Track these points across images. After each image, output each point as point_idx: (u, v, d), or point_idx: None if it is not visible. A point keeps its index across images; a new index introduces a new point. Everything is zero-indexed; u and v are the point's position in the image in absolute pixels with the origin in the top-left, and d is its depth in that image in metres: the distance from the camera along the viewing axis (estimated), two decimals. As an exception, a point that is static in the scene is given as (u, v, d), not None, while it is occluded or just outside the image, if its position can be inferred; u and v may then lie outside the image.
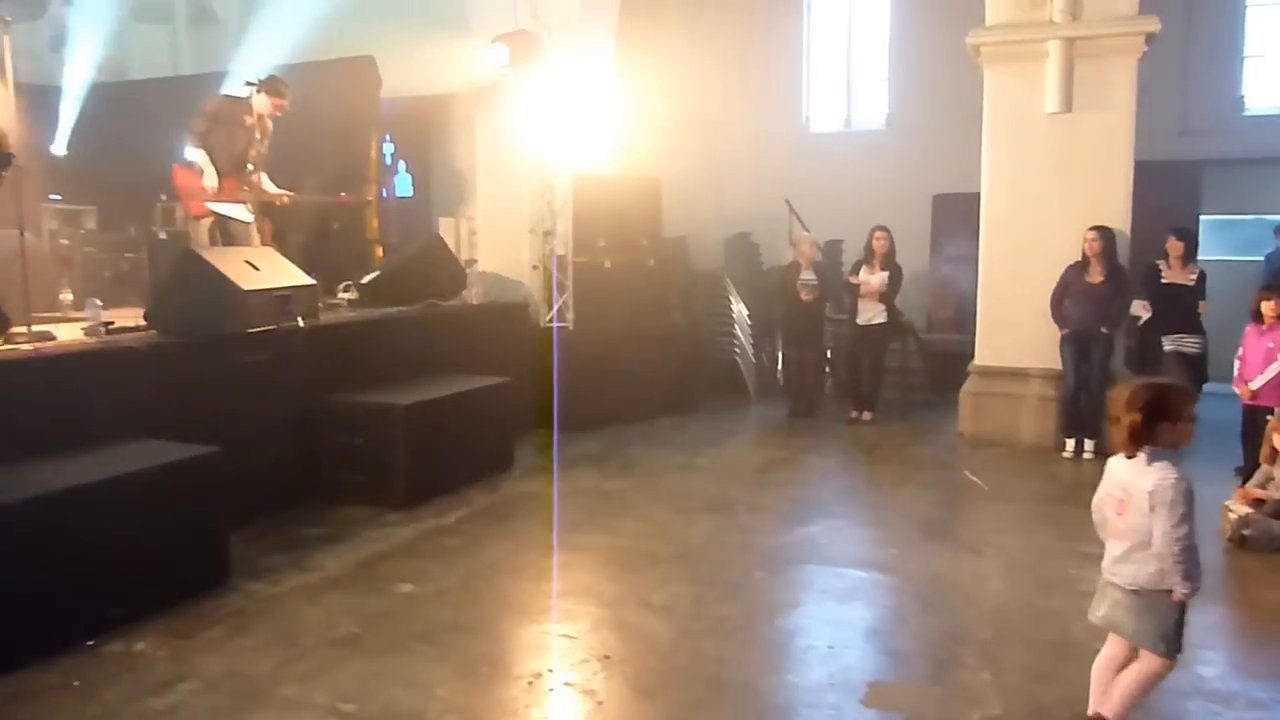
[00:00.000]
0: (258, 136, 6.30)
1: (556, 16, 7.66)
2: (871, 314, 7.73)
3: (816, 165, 10.75)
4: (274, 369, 5.09)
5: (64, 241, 7.74)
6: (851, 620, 3.86)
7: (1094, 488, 2.80)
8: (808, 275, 7.99)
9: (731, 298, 9.28)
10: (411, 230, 8.71)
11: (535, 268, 7.86)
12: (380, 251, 8.33)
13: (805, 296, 7.94)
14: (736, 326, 9.18)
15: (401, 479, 5.26)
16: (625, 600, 4.00)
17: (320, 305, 5.83)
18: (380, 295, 6.87)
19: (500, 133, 8.09)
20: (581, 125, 7.97)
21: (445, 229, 8.08)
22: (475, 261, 7.95)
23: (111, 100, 8.51)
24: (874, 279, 7.69)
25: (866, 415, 7.82)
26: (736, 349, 9.15)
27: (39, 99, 7.76)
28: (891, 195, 9.67)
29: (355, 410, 5.36)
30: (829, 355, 8.85)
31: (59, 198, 8.09)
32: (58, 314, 6.16)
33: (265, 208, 6.55)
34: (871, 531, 5.16)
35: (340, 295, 7.00)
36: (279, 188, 6.49)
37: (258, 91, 6.27)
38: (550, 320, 7.76)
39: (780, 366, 9.21)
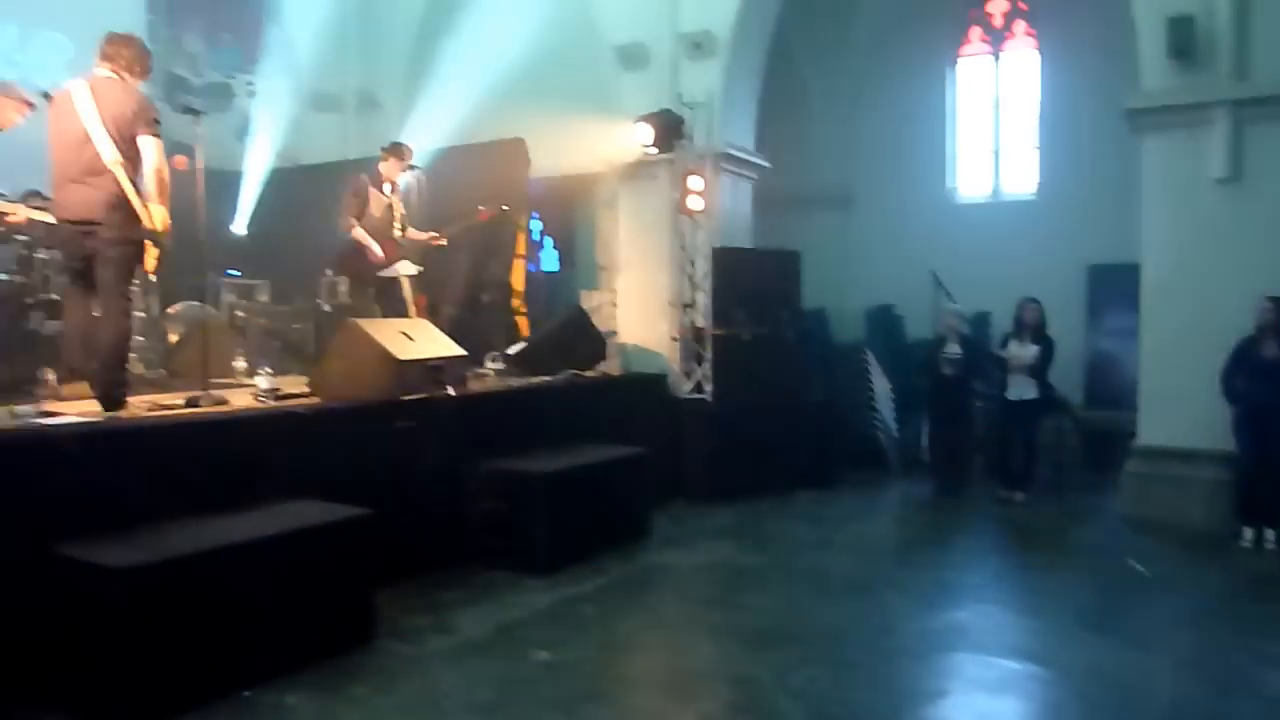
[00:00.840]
0: (394, 195, 6.76)
1: (699, 94, 7.87)
2: (1022, 389, 7.43)
3: (963, 235, 10.52)
4: (424, 435, 5.29)
5: (240, 313, 8.34)
6: (1004, 715, 3.64)
7: (1277, 580, 2.57)
8: (953, 348, 7.78)
9: (872, 371, 9.10)
10: (556, 303, 8.98)
11: (674, 340, 7.94)
12: (526, 324, 8.62)
13: (949, 370, 7.72)
14: (878, 400, 8.98)
15: (541, 545, 5.35)
16: (761, 680, 3.90)
17: (469, 374, 6.06)
18: (525, 365, 7.09)
19: (643, 209, 8.30)
20: (723, 200, 8.09)
21: (588, 302, 8.29)
22: (616, 333, 8.11)
23: (286, 183, 9.22)
24: (1024, 352, 7.41)
25: (1018, 495, 7.45)
26: (878, 423, 8.93)
27: (224, 183, 8.48)
28: (1042, 266, 9.34)
29: (498, 476, 5.50)
30: (976, 432, 8.52)
31: (237, 273, 8.76)
32: (232, 380, 6.61)
33: (416, 266, 6.92)
34: (1025, 619, 4.87)
35: (488, 365, 7.25)
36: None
37: (384, 159, 6.81)
38: (688, 392, 7.80)
39: (925, 442, 8.93)
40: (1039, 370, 7.39)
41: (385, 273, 6.65)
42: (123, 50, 4.71)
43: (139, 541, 3.62)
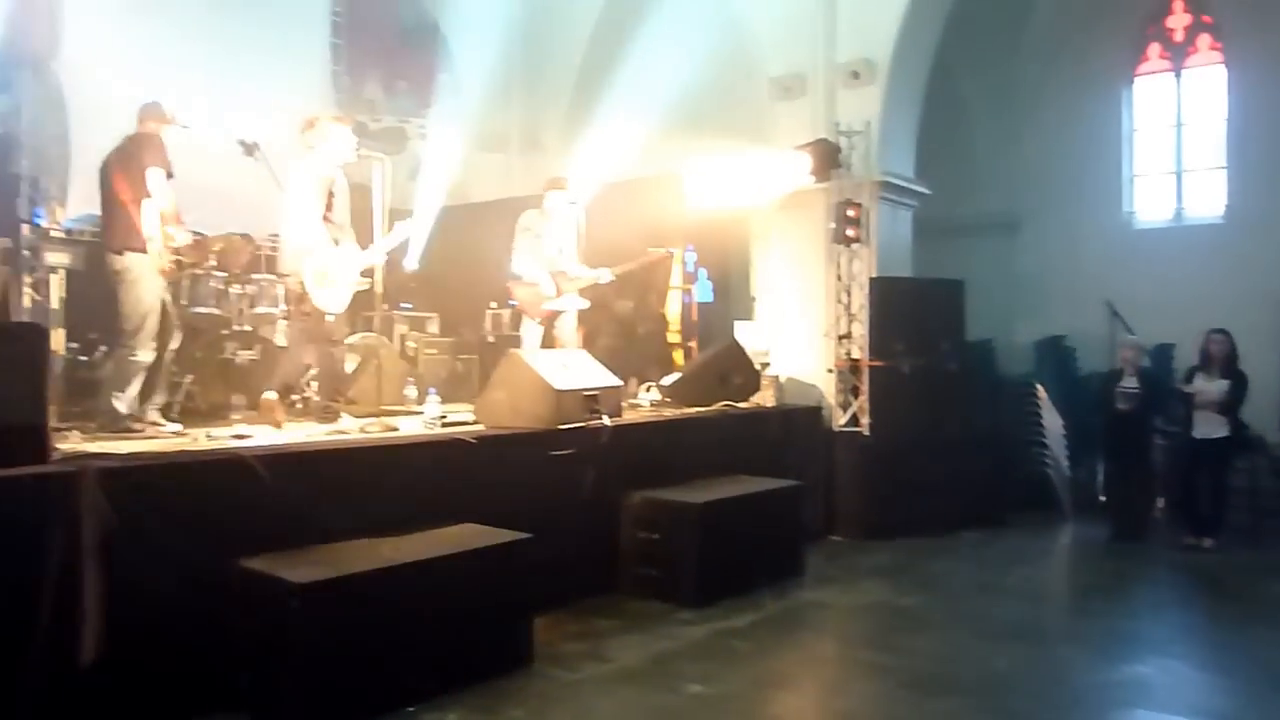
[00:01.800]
0: (560, 233, 6.89)
1: (857, 122, 7.76)
2: (1210, 427, 6.88)
3: (1141, 262, 9.89)
4: (581, 463, 5.40)
5: (411, 344, 8.78)
6: (1192, 781, 3.35)
7: None
8: (1131, 383, 7.31)
9: (1043, 406, 8.65)
10: (711, 335, 9.00)
11: (830, 371, 7.80)
12: (681, 355, 8.67)
13: (1125, 406, 7.25)
14: (1048, 437, 8.51)
15: (694, 577, 5.33)
16: (922, 727, 3.75)
17: (625, 404, 6.15)
18: (680, 396, 7.13)
19: (799, 239, 8.23)
20: (882, 228, 7.92)
21: (742, 333, 8.27)
22: (770, 365, 8.05)
23: (455, 220, 9.66)
24: (1212, 387, 6.88)
25: (1207, 541, 6.88)
26: (1048, 461, 8.46)
27: (402, 220, 8.99)
28: (1231, 294, 8.66)
29: (652, 506, 5.54)
30: (1157, 472, 7.94)
31: (409, 306, 9.23)
32: (402, 407, 6.96)
33: (584, 299, 7.07)
34: (1212, 677, 4.47)
35: (643, 395, 7.34)
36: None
37: (546, 192, 6.97)
38: (845, 425, 7.64)
39: (1100, 483, 8.39)
40: (1229, 407, 6.84)
41: (551, 305, 6.84)
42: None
43: (315, 559, 3.84)
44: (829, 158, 7.58)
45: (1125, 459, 7.50)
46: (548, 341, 6.90)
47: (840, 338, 7.76)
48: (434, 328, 9.34)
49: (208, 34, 9.20)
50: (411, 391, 7.32)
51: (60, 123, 7.56)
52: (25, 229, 7.00)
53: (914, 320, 7.58)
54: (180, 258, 5.33)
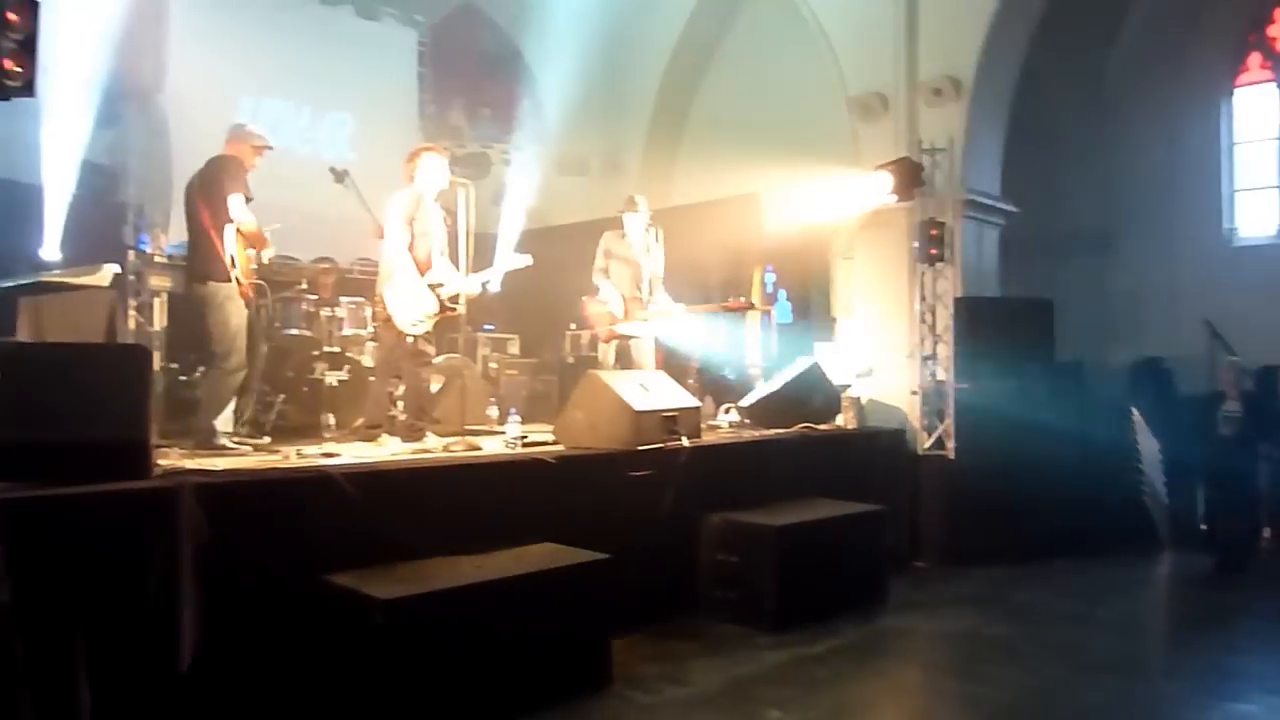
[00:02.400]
0: (639, 255, 6.92)
1: (940, 140, 7.65)
2: (1322, 454, 6.54)
3: (1244, 280, 9.47)
4: (659, 485, 5.40)
5: (493, 365, 8.94)
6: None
7: None
8: (1233, 406, 7.00)
9: (1138, 430, 8.33)
10: (790, 356, 8.94)
11: (914, 393, 7.66)
12: (760, 376, 8.63)
13: (1229, 431, 6.94)
14: (1144, 463, 8.19)
15: (773, 601, 5.28)
16: (1011, 761, 3.63)
17: (703, 426, 6.13)
18: (759, 418, 7.08)
19: (881, 258, 8.13)
20: (967, 247, 7.78)
21: (822, 354, 8.19)
22: (850, 386, 7.95)
23: (536, 243, 9.81)
24: (1324, 412, 6.54)
25: (1319, 575, 6.54)
26: (1144, 488, 8.14)
27: (484, 245, 9.18)
28: (1346, 314, 8.25)
29: (731, 529, 5.51)
30: (1263, 500, 7.56)
31: (491, 328, 9.40)
32: (484, 426, 7.07)
33: (653, 329, 7.08)
34: (1331, 720, 4.24)
35: (721, 417, 7.32)
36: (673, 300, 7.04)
37: (622, 213, 6.98)
38: (929, 448, 7.49)
39: (1201, 510, 8.03)
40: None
41: (623, 329, 6.87)
42: None
43: (399, 575, 3.92)
44: (911, 176, 7.49)
45: (1228, 486, 7.18)
46: (624, 363, 6.92)
47: (924, 359, 7.63)
48: (515, 349, 9.49)
49: (302, 65, 9.58)
50: (493, 411, 7.43)
51: (163, 152, 7.94)
52: (131, 255, 7.38)
53: (1001, 341, 7.40)
54: (260, 282, 5.47)
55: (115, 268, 6.38)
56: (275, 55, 9.29)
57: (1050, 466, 7.31)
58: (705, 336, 7.81)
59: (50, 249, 7.07)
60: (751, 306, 7.54)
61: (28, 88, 3.19)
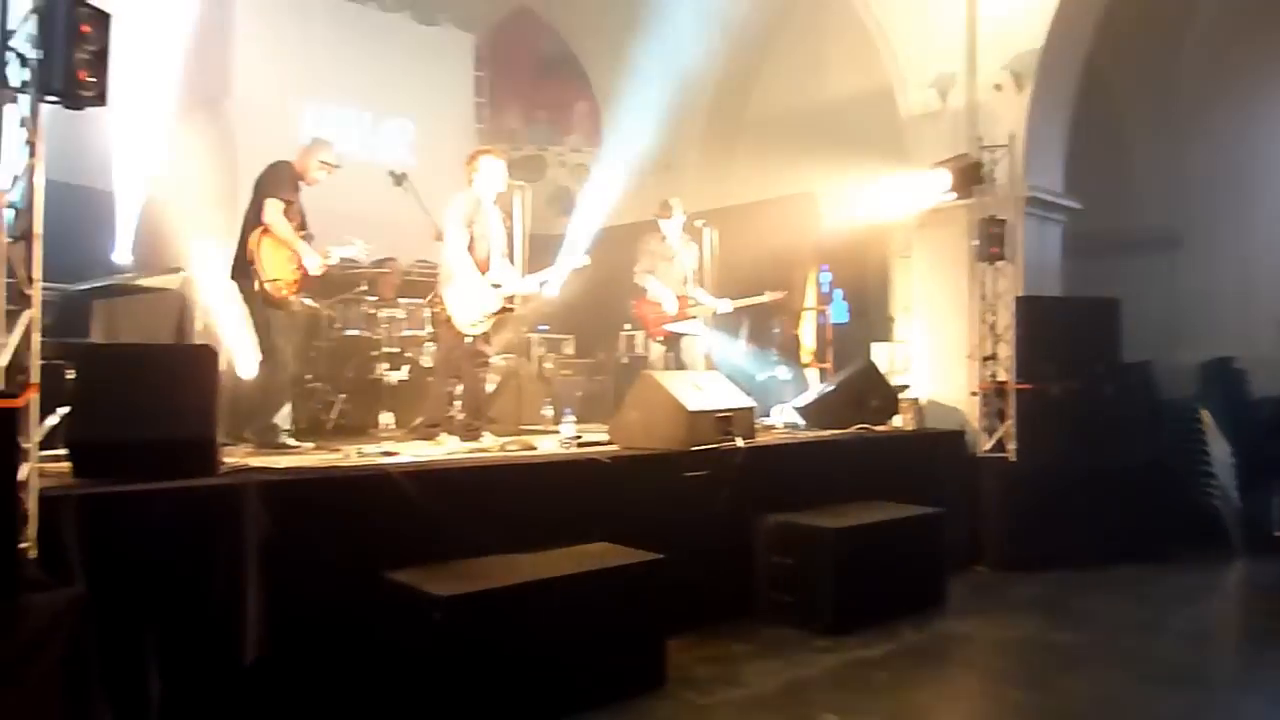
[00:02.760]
0: (680, 254, 6.92)
1: (1000, 136, 7.51)
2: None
3: (1324, 277, 9.15)
4: (713, 485, 5.39)
5: (547, 365, 9.01)
6: None
7: None
8: (1312, 408, 6.75)
9: (1209, 432, 8.08)
10: (846, 356, 8.86)
11: (974, 394, 7.53)
12: (816, 376, 8.56)
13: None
14: (1215, 466, 7.94)
15: (830, 604, 5.23)
16: (1075, 771, 3.54)
17: (757, 426, 6.11)
18: (814, 419, 7.03)
19: (939, 257, 8.01)
20: (1029, 245, 7.63)
21: (879, 354, 8.10)
22: (908, 387, 7.84)
23: (590, 244, 9.87)
24: None
25: (1404, 584, 6.27)
26: (1215, 492, 7.89)
27: (540, 246, 9.26)
28: None
29: (786, 530, 5.47)
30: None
31: (546, 328, 9.47)
32: (539, 426, 7.13)
33: (704, 326, 7.07)
34: None
35: (777, 417, 7.27)
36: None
37: (660, 214, 7.03)
38: (989, 450, 7.36)
39: (1276, 517, 7.76)
40: None
41: (674, 327, 6.88)
42: None
43: (456, 572, 3.97)
44: (971, 173, 7.36)
45: (1305, 491, 6.92)
46: (675, 362, 6.93)
47: (984, 359, 7.49)
48: (569, 349, 9.55)
49: (363, 72, 9.76)
50: (548, 412, 7.49)
51: (230, 157, 8.13)
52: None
53: (1064, 341, 7.24)
54: (287, 292, 5.43)
55: (185, 272, 6.56)
56: (337, 62, 9.48)
57: (1116, 469, 7.14)
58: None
59: (122, 253, 7.30)
60: (787, 293, 7.47)
61: (100, 98, 3.29)
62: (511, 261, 5.87)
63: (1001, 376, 7.42)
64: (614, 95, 11.35)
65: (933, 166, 7.44)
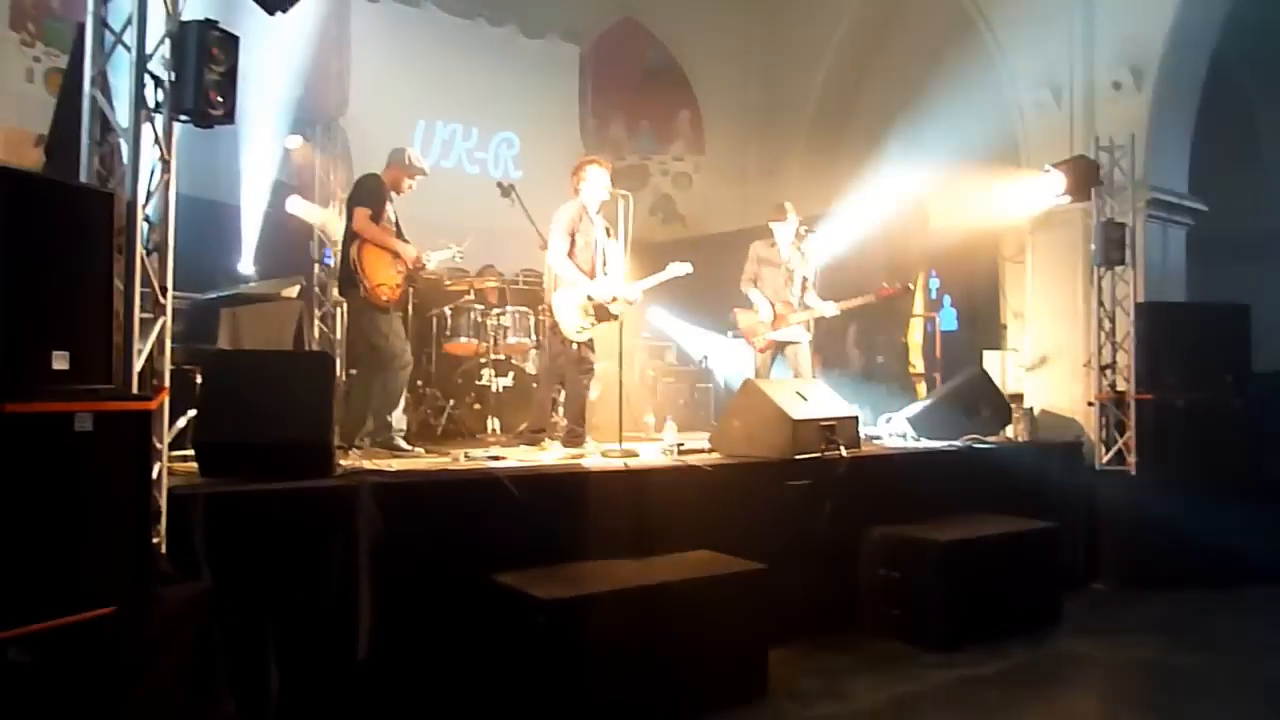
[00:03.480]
0: (790, 261, 6.83)
1: (1120, 135, 7.18)
2: None
3: None
4: (817, 495, 5.29)
5: (650, 373, 9.02)
6: None
7: None
8: None
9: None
10: (955, 365, 8.61)
11: (1091, 404, 7.21)
12: (923, 385, 8.34)
13: None
14: (1362, 483, 7.39)
15: (938, 619, 5.07)
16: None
17: (862, 436, 5.98)
18: (922, 428, 6.84)
19: (1054, 261, 7.71)
20: (1150, 249, 7.27)
21: (990, 363, 7.84)
22: (1022, 396, 7.56)
23: (693, 251, 9.83)
24: None
25: None
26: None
27: (642, 254, 9.30)
28: None
29: (892, 543, 5.33)
30: None
31: (648, 335, 9.49)
32: (642, 434, 7.14)
33: (808, 331, 6.94)
34: None
35: (882, 426, 7.11)
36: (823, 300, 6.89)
37: (771, 220, 6.93)
38: (1107, 463, 7.03)
39: None
40: None
41: (776, 335, 6.80)
42: None
43: (560, 577, 4.00)
44: (1087, 175, 7.06)
45: None
46: (779, 371, 6.85)
47: (1103, 368, 7.16)
48: (671, 357, 9.54)
49: (471, 87, 9.99)
50: (650, 419, 7.49)
51: (347, 171, 8.43)
52: (316, 268, 7.87)
53: (1189, 349, 6.86)
54: (391, 295, 5.57)
55: (301, 280, 6.82)
56: (446, 79, 9.74)
57: (1245, 484, 6.71)
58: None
59: (246, 263, 7.65)
60: (908, 289, 7.11)
61: (228, 116, 3.45)
62: (616, 269, 5.90)
63: (1121, 386, 7.09)
64: (717, 102, 11.35)
65: (1046, 168, 7.16)
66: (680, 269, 5.99)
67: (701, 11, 11.01)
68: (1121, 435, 7.03)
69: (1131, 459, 6.92)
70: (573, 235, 5.75)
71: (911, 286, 6.88)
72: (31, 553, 2.69)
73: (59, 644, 2.72)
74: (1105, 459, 7.06)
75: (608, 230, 5.94)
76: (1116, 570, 6.66)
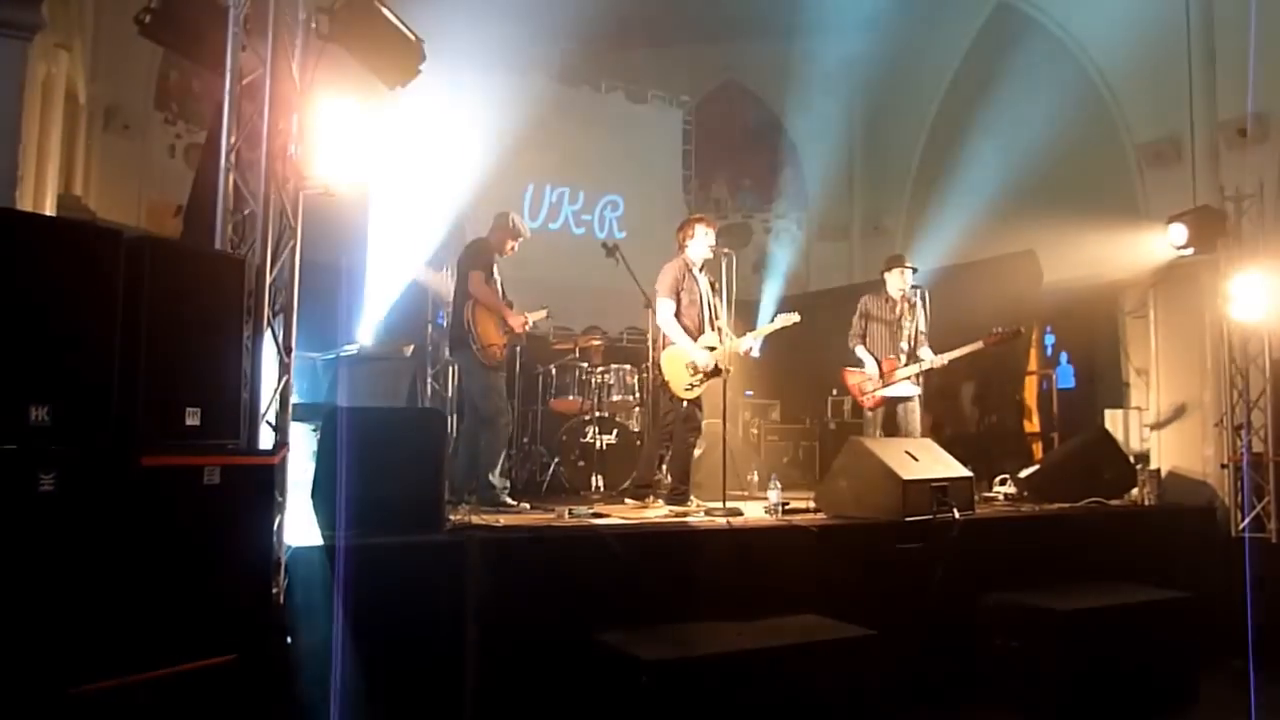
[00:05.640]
0: (899, 315, 6.70)
1: (1247, 185, 6.86)
2: None
3: None
4: (929, 559, 5.11)
5: (754, 430, 8.94)
6: None
7: None
8: None
9: None
10: (1074, 424, 8.26)
11: (1224, 467, 6.79)
12: (1039, 445, 8.02)
13: None
14: None
15: (1062, 695, 4.78)
16: None
17: (976, 498, 5.77)
18: (1039, 491, 6.58)
19: (1179, 317, 7.35)
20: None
21: (1112, 422, 7.49)
22: (1148, 457, 7.19)
23: (797, 308, 9.79)
24: None
25: None
26: None
27: (744, 312, 9.31)
28: None
29: (1010, 610, 5.08)
30: None
31: (751, 393, 9.43)
32: (745, 492, 7.06)
33: (917, 386, 6.75)
34: None
35: (996, 488, 6.86)
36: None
37: (884, 274, 6.84)
38: (1243, 530, 6.58)
39: None
40: None
41: (883, 391, 6.65)
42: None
43: (663, 637, 3.95)
44: (1212, 226, 6.74)
45: None
46: (889, 429, 6.69)
47: (1236, 428, 6.76)
48: (776, 414, 9.45)
49: (578, 152, 10.26)
50: (754, 477, 7.41)
51: (459, 237, 8.70)
52: (429, 329, 8.13)
53: (1335, 408, 6.42)
54: (499, 354, 5.80)
55: (413, 345, 7.07)
56: (554, 145, 10.02)
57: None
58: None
59: (365, 325, 7.96)
60: (1018, 333, 6.80)
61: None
62: (722, 326, 5.89)
63: (1257, 447, 6.66)
64: (820, 160, 11.35)
65: (1167, 220, 6.88)
66: (788, 319, 5.95)
67: (803, 71, 11.08)
68: (1260, 500, 6.59)
69: (1273, 525, 6.47)
70: (678, 294, 5.80)
71: (1023, 330, 6.58)
72: (159, 599, 2.82)
73: (182, 689, 2.83)
74: (1241, 525, 6.62)
75: (713, 285, 5.97)
76: (1262, 646, 6.19)
